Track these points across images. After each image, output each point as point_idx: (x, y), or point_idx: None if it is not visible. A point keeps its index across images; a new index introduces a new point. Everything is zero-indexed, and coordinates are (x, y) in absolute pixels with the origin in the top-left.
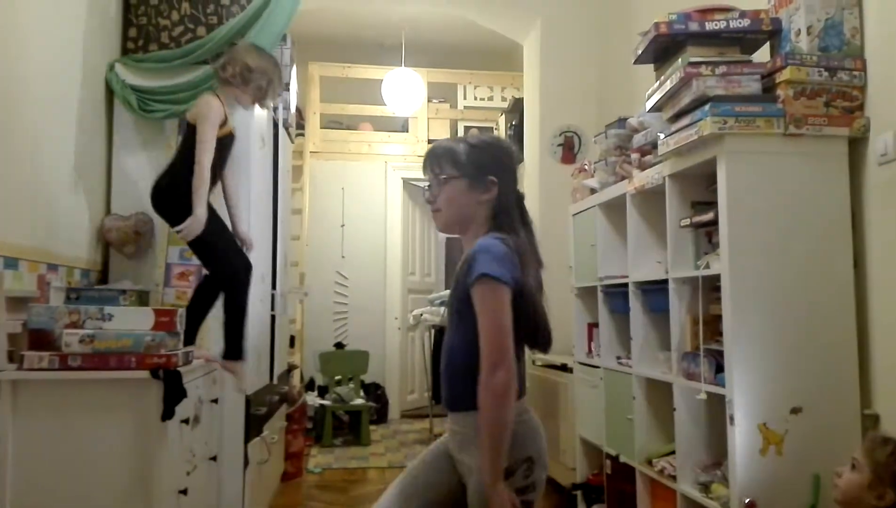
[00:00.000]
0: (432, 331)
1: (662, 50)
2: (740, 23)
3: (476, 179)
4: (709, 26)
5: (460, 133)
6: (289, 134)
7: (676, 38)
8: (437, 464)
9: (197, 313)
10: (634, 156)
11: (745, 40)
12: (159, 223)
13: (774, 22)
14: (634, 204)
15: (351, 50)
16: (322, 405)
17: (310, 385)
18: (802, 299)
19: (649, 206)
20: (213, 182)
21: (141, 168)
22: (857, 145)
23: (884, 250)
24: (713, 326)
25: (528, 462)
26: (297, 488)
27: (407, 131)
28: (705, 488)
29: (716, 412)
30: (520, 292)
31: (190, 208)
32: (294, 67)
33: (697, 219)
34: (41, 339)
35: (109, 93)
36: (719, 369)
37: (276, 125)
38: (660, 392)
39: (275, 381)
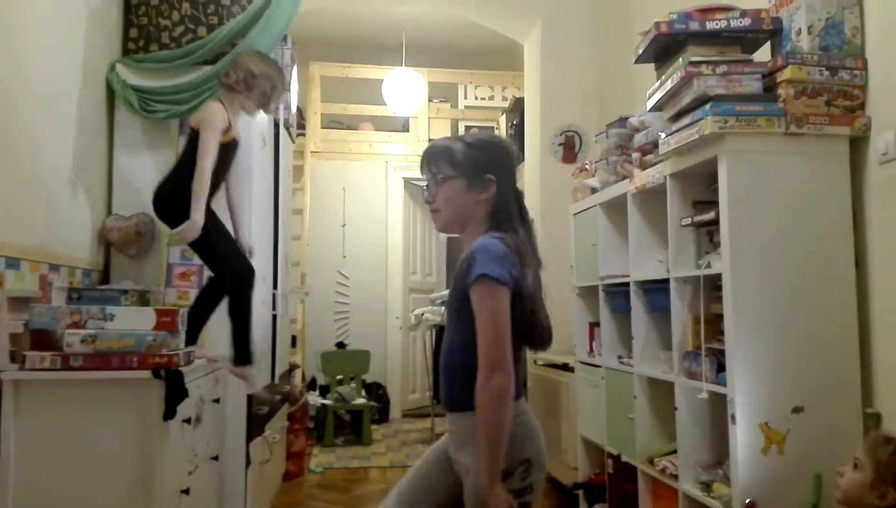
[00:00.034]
0: (433, 330)
1: (663, 49)
2: (741, 22)
3: (474, 178)
4: (709, 26)
5: (461, 133)
6: (290, 134)
7: (677, 37)
8: (438, 466)
9: (200, 314)
10: (635, 155)
11: (745, 40)
12: (160, 223)
13: (775, 21)
14: (635, 203)
15: (351, 50)
16: (324, 405)
17: (311, 385)
18: (804, 299)
19: (650, 205)
20: (216, 188)
21: (142, 169)
22: (858, 144)
23: (885, 249)
24: (714, 325)
25: (525, 464)
26: (299, 487)
27: (408, 131)
28: (707, 487)
29: (717, 411)
30: (519, 292)
31: (188, 215)
32: (295, 67)
33: (698, 218)
34: (43, 339)
35: (110, 93)
36: (721, 368)
37: (276, 125)
38: (661, 392)
39: (276, 381)
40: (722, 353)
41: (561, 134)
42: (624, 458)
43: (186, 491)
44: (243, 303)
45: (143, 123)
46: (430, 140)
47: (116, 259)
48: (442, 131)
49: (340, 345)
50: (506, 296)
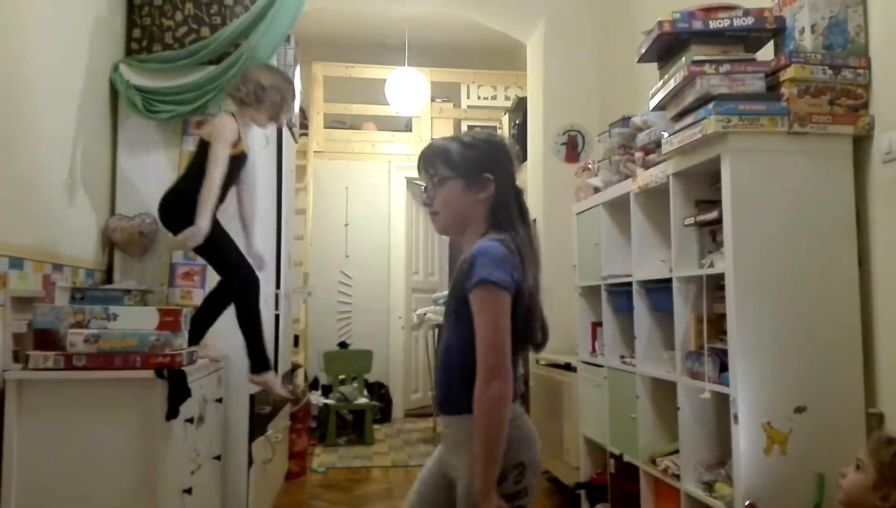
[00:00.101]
0: (436, 330)
1: (666, 49)
2: (744, 21)
3: (472, 179)
4: (713, 25)
5: (463, 133)
6: (292, 134)
7: (680, 36)
8: (435, 470)
9: (206, 317)
10: (638, 155)
11: (748, 38)
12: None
13: (778, 20)
14: (638, 203)
15: (354, 50)
16: (326, 405)
17: (314, 385)
18: (806, 298)
19: (653, 205)
20: (222, 198)
21: (145, 169)
22: (861, 144)
23: (888, 248)
24: (717, 325)
25: (519, 468)
26: (301, 487)
27: (410, 131)
28: (709, 487)
29: (720, 411)
30: (519, 294)
31: (193, 222)
32: (298, 67)
33: (701, 218)
34: (46, 339)
35: (114, 93)
36: (723, 368)
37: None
38: (663, 391)
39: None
40: (724, 353)
41: (564, 133)
42: (626, 458)
43: (189, 491)
44: (251, 311)
45: (146, 123)
46: (432, 140)
47: (120, 259)
48: (445, 131)
49: (343, 345)
50: (506, 301)
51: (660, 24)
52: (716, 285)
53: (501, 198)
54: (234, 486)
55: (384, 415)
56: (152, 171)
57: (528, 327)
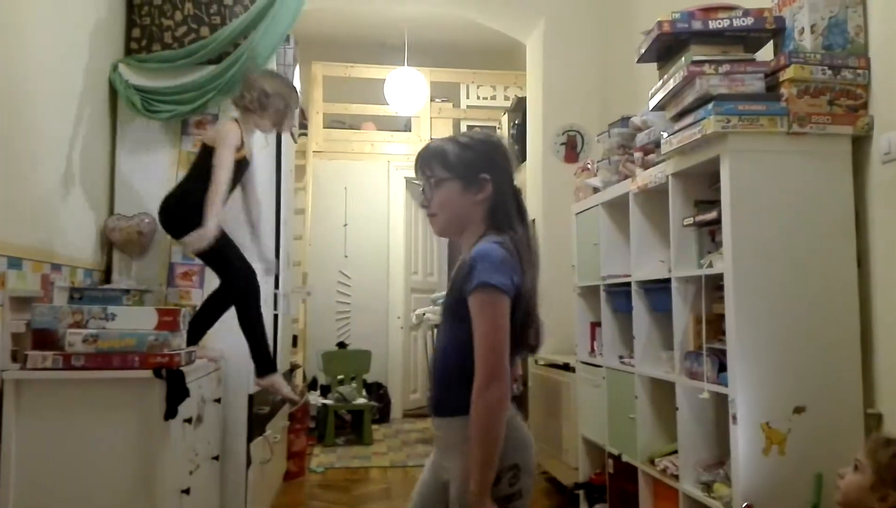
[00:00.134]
0: (434, 331)
1: (666, 49)
2: (744, 21)
3: (469, 179)
4: (712, 25)
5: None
6: (292, 134)
7: (680, 36)
8: (430, 475)
9: (205, 319)
10: (637, 155)
11: (748, 39)
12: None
13: (778, 20)
14: (637, 203)
15: (353, 49)
16: (324, 405)
17: (312, 385)
18: (805, 299)
19: (652, 205)
20: (223, 202)
21: (144, 169)
22: (860, 144)
23: (887, 248)
24: (716, 325)
25: (514, 470)
26: (300, 487)
27: (410, 131)
28: (708, 487)
29: (718, 411)
30: (518, 297)
31: (197, 225)
32: (297, 67)
33: (700, 218)
34: (45, 339)
35: (113, 93)
36: (722, 368)
37: None
38: (662, 392)
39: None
40: (723, 353)
41: (563, 133)
42: (625, 458)
43: (187, 491)
44: (252, 314)
45: (145, 123)
46: (429, 141)
47: (118, 259)
48: (444, 131)
49: (342, 345)
50: (506, 305)
51: (659, 24)
52: (715, 285)
53: (499, 198)
54: (233, 486)
55: (383, 415)
56: (151, 171)
57: (525, 330)
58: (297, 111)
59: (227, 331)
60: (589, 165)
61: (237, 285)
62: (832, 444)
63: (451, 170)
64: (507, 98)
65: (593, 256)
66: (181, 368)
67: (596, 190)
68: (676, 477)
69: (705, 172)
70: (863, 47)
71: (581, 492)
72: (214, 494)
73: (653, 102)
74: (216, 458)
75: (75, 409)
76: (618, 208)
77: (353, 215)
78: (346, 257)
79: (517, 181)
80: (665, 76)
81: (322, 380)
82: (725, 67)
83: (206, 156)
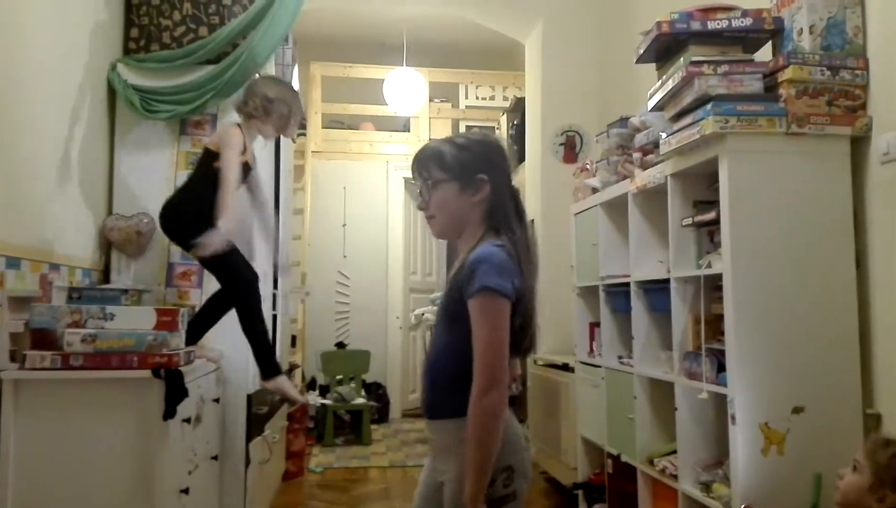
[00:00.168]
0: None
1: (664, 49)
2: (742, 22)
3: (466, 181)
4: (711, 25)
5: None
6: None
7: (678, 37)
8: (430, 476)
9: (206, 319)
10: (636, 155)
11: (747, 39)
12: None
13: (777, 21)
14: (636, 203)
15: (352, 50)
16: (323, 405)
17: (311, 385)
18: (804, 299)
19: (651, 205)
20: None
21: (143, 169)
22: (859, 144)
23: (886, 249)
24: (715, 325)
25: (508, 471)
26: (299, 487)
27: (408, 131)
28: (706, 487)
29: (717, 411)
30: (517, 302)
31: (199, 232)
32: (296, 67)
33: (699, 218)
34: (43, 338)
35: (111, 93)
36: (721, 368)
37: None
38: (661, 392)
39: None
40: (722, 353)
41: (562, 134)
42: (624, 458)
43: (186, 491)
44: (255, 318)
45: (143, 123)
46: (428, 141)
47: (117, 259)
48: (443, 131)
49: (340, 345)
50: (507, 309)
51: (658, 24)
52: (714, 285)
53: (497, 199)
54: (232, 486)
55: (382, 415)
56: (150, 171)
57: (524, 333)
58: (300, 116)
59: (226, 331)
60: (588, 166)
61: (241, 289)
62: (831, 444)
63: (448, 171)
64: (505, 98)
65: (592, 256)
66: (180, 368)
67: (595, 190)
68: (675, 477)
69: (704, 172)
70: (861, 48)
71: (580, 492)
72: (213, 494)
73: (651, 103)
74: (215, 458)
75: (74, 409)
76: (617, 208)
77: (352, 216)
78: (344, 257)
79: (515, 182)
80: (664, 77)
81: (321, 380)
82: (724, 68)
83: (207, 160)
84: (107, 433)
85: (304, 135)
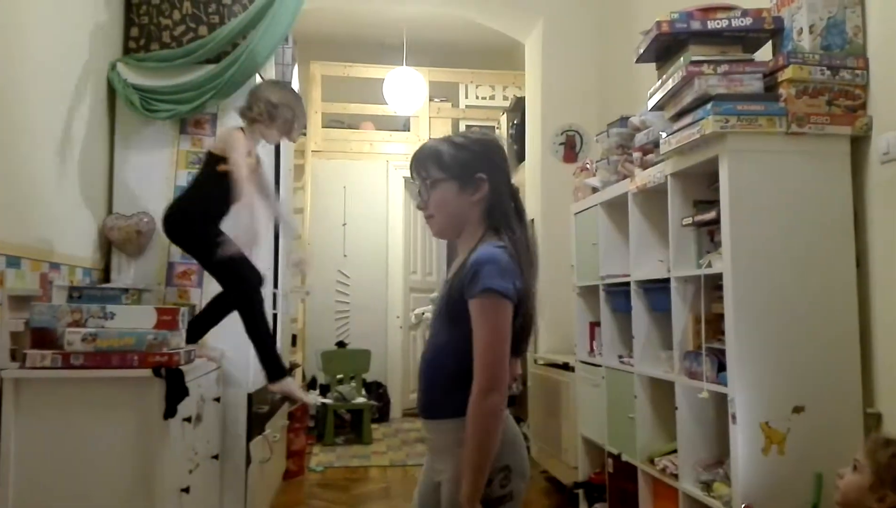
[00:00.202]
0: None
1: (664, 49)
2: (742, 21)
3: (465, 180)
4: (711, 25)
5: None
6: None
7: (678, 36)
8: (429, 475)
9: (209, 319)
10: (636, 155)
11: (747, 39)
12: (160, 222)
13: (776, 21)
14: (636, 203)
15: (352, 49)
16: (324, 404)
17: (312, 384)
18: (804, 298)
19: (651, 205)
20: (227, 209)
21: (143, 168)
22: (859, 144)
23: (886, 248)
24: (715, 325)
25: (505, 471)
26: (299, 486)
27: (408, 130)
28: (707, 487)
29: (718, 410)
30: (519, 303)
31: (204, 234)
32: (296, 67)
33: (699, 218)
34: (44, 338)
35: (111, 92)
36: (721, 367)
37: None
38: (662, 391)
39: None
40: (722, 353)
41: (562, 133)
42: (624, 457)
43: (187, 490)
44: (259, 321)
45: (143, 122)
46: (424, 141)
47: (117, 258)
48: (443, 131)
49: (341, 344)
50: (510, 311)
51: (658, 24)
52: (714, 285)
53: (496, 198)
54: (232, 485)
55: (382, 415)
56: (150, 170)
57: (524, 334)
58: (304, 120)
59: (226, 330)
60: (588, 165)
61: (245, 293)
62: (832, 444)
63: (446, 170)
64: (505, 98)
65: (592, 256)
66: (180, 367)
67: (595, 190)
68: (676, 477)
69: (704, 172)
70: (861, 48)
71: (580, 491)
72: (214, 493)
73: (651, 102)
74: (216, 457)
75: (74, 408)
76: (617, 207)
77: (352, 215)
78: (345, 256)
79: (515, 181)
80: (664, 76)
81: (321, 379)
82: (724, 68)
83: (211, 164)
84: (107, 432)
85: (305, 134)
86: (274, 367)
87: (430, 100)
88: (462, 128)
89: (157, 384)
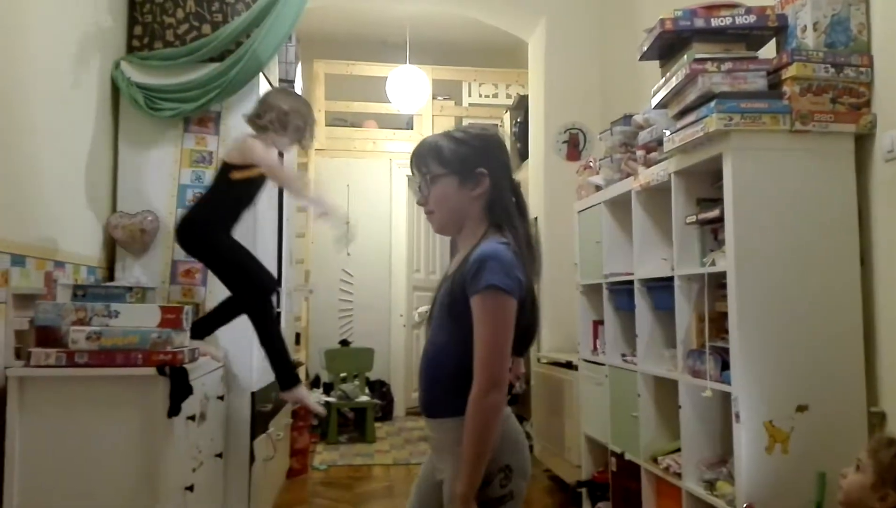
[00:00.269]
0: None
1: (668, 46)
2: (746, 19)
3: (465, 175)
4: (714, 23)
5: None
6: None
7: (682, 34)
8: (430, 473)
9: (217, 319)
10: (640, 153)
11: (750, 37)
12: (164, 221)
13: (780, 18)
14: (640, 201)
15: (355, 47)
16: (327, 403)
17: (315, 383)
18: (808, 297)
19: (655, 203)
20: (239, 217)
21: (147, 166)
22: (863, 142)
23: (890, 246)
24: (719, 323)
25: (505, 471)
26: (303, 485)
27: (412, 129)
28: (710, 485)
29: (721, 409)
30: (523, 301)
31: (216, 244)
32: (299, 65)
33: (703, 216)
34: (48, 336)
35: (115, 91)
36: (725, 366)
37: None
38: (665, 390)
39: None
40: (726, 351)
41: (565, 131)
42: (627, 456)
43: (191, 488)
44: (271, 327)
45: (148, 120)
46: (424, 137)
47: (121, 256)
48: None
49: (344, 343)
50: (513, 308)
51: (661, 21)
52: (717, 283)
53: (497, 193)
54: (236, 483)
55: (385, 413)
56: (154, 168)
57: (528, 331)
58: (315, 127)
59: (231, 329)
60: (591, 163)
61: (257, 299)
62: (835, 442)
63: (446, 165)
64: (509, 96)
65: (596, 254)
66: (184, 365)
67: (598, 188)
68: (679, 475)
69: (708, 170)
70: (865, 45)
71: (584, 490)
72: (218, 491)
73: (655, 100)
74: (219, 455)
75: (79, 406)
76: (620, 206)
77: (356, 213)
78: (348, 254)
79: (518, 178)
80: (667, 74)
81: (325, 378)
82: (728, 65)
83: (224, 173)
84: (111, 430)
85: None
86: (287, 376)
87: (434, 98)
88: None
89: (161, 383)
